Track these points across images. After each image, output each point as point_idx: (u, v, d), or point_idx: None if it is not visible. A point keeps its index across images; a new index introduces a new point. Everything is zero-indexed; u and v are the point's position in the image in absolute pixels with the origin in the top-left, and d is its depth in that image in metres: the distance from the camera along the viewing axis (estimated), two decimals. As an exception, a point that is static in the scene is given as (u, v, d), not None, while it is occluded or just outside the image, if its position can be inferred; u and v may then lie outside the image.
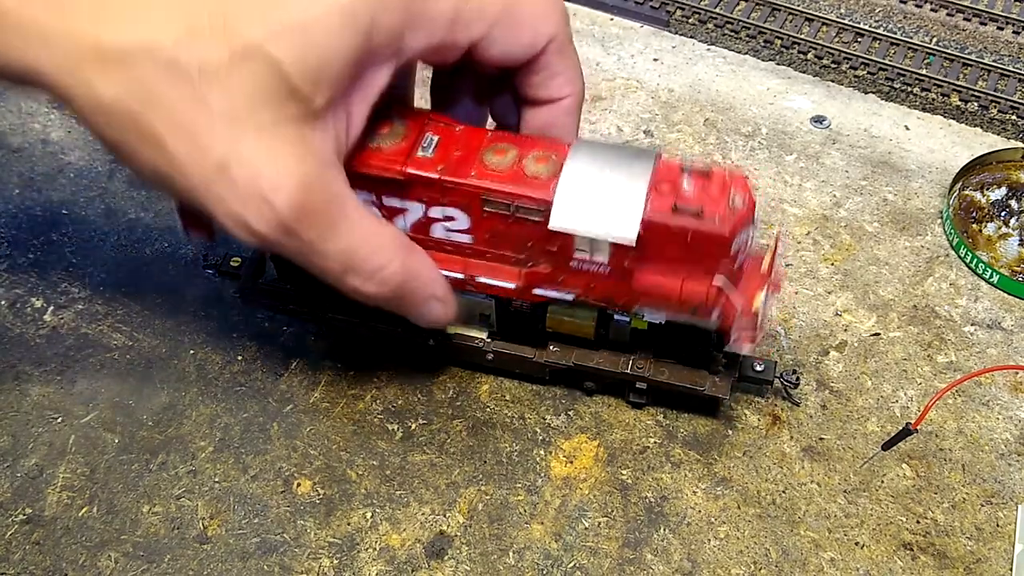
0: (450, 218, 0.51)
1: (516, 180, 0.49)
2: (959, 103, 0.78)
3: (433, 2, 0.46)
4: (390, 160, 0.50)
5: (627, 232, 0.48)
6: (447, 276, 0.52)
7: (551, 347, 0.57)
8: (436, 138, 0.51)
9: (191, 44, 0.41)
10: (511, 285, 0.53)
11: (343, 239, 0.46)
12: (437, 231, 0.52)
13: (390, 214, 0.52)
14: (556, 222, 0.49)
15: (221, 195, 0.43)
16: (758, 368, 0.57)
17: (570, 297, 0.53)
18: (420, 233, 0.53)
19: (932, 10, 0.87)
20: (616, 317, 0.55)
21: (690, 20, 0.86)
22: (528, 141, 0.51)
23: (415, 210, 0.52)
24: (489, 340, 0.58)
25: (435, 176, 0.49)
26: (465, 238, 0.52)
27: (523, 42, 0.50)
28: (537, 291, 0.53)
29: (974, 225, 0.68)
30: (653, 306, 0.52)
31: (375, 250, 0.48)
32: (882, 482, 0.56)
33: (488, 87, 0.56)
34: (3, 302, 0.65)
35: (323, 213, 0.45)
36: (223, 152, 0.42)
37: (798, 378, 0.58)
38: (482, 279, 0.53)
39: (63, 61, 0.42)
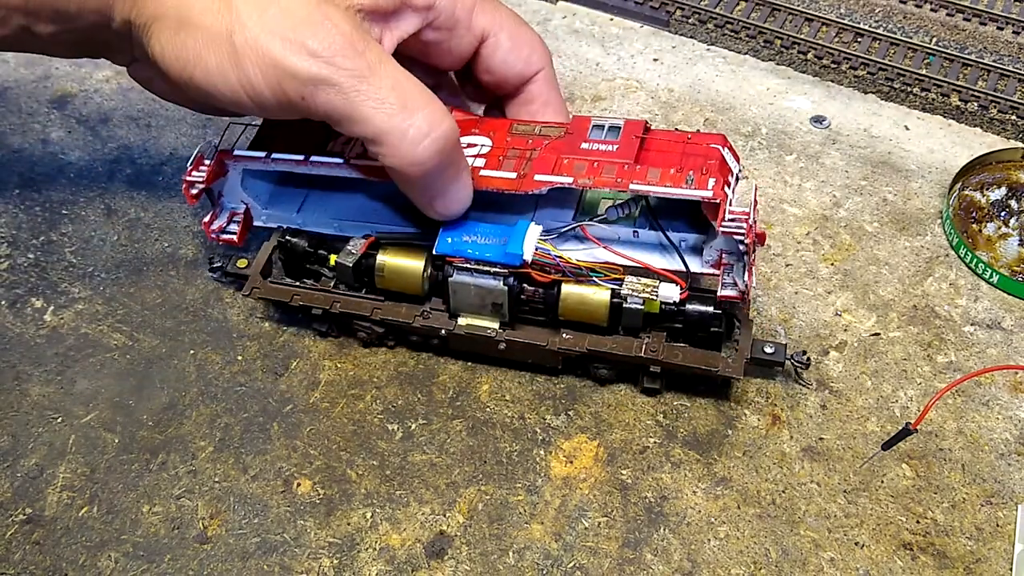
0: (472, 145, 0.58)
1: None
2: (959, 103, 0.78)
3: None
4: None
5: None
6: None
7: (564, 334, 0.58)
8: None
9: None
10: (511, 175, 0.57)
11: (388, 77, 0.50)
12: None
13: None
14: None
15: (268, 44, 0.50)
16: (768, 351, 0.57)
17: (568, 181, 0.55)
18: None
19: (932, 10, 0.87)
20: (626, 306, 0.56)
21: (690, 20, 0.86)
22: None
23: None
24: (501, 330, 0.58)
25: (479, 117, 0.62)
26: (485, 148, 0.59)
27: (522, 56, 0.60)
28: (538, 177, 0.56)
29: (974, 225, 0.68)
30: (652, 180, 0.55)
31: (427, 101, 0.51)
32: (882, 482, 0.56)
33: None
34: (3, 302, 0.65)
35: (364, 53, 0.50)
36: (249, 32, 0.50)
37: (809, 359, 0.58)
38: (485, 172, 0.57)
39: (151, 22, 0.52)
